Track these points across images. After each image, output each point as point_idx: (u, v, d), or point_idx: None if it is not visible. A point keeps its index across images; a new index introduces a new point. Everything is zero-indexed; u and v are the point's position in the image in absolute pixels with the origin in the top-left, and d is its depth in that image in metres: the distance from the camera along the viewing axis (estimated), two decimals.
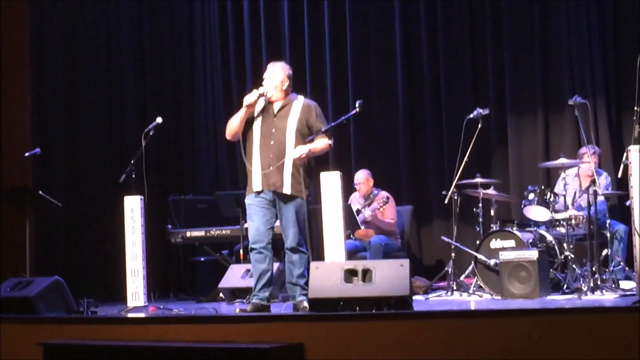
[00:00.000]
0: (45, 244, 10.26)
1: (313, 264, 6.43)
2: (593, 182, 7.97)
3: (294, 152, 6.99)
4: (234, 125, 7.18)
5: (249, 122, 7.16)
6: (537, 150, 10.17)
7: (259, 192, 7.06)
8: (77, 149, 11.04)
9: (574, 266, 8.04)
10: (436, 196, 10.12)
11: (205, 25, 12.19)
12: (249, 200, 7.12)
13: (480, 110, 8.73)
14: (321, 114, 7.29)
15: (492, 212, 8.77)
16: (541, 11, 10.27)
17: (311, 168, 7.22)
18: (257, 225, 7.04)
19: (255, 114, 7.18)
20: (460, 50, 10.75)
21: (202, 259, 10.54)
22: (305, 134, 7.11)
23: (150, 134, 8.09)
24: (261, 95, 7.10)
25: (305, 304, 6.74)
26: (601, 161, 9.35)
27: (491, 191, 8.79)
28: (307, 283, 6.83)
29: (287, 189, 7.01)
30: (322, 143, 7.15)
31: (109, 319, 6.90)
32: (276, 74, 7.24)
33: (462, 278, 8.61)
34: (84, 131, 11.13)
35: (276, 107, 7.17)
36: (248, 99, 7.07)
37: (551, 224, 8.45)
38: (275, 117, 7.13)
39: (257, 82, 10.95)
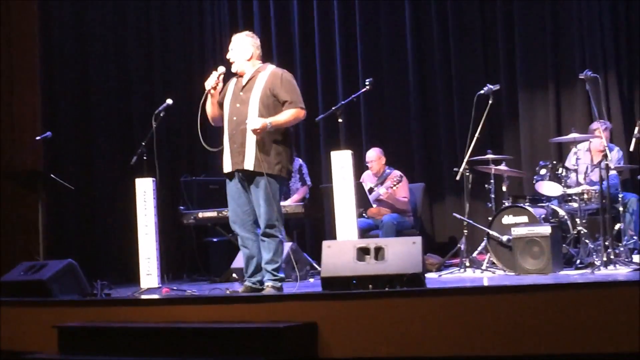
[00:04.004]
0: (58, 227, 10.29)
1: (325, 243, 6.40)
2: (605, 156, 7.94)
3: (250, 123, 6.60)
4: (208, 111, 6.95)
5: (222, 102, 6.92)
6: (548, 125, 10.15)
7: (229, 176, 6.83)
8: (88, 131, 11.07)
9: (586, 241, 8.02)
10: (448, 173, 10.13)
11: (214, 7, 12.19)
12: (227, 184, 6.91)
13: (491, 86, 8.69)
14: (289, 82, 6.79)
15: (504, 188, 8.75)
16: None
17: (286, 142, 6.78)
18: (232, 208, 6.85)
19: (228, 92, 6.90)
20: (470, 26, 10.71)
21: (215, 240, 10.57)
22: (271, 105, 6.70)
23: (161, 115, 8.06)
24: (220, 75, 6.81)
25: (271, 289, 6.63)
26: (613, 135, 9.31)
27: (503, 167, 8.77)
28: (276, 269, 6.69)
29: (248, 165, 6.64)
30: (287, 114, 6.68)
31: (123, 301, 6.93)
32: (239, 44, 6.88)
33: (474, 254, 8.60)
34: (94, 114, 11.16)
35: (244, 80, 6.81)
36: (209, 82, 6.81)
37: (563, 199, 8.43)
38: (242, 91, 6.78)
39: (267, 53, 11.03)
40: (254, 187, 6.71)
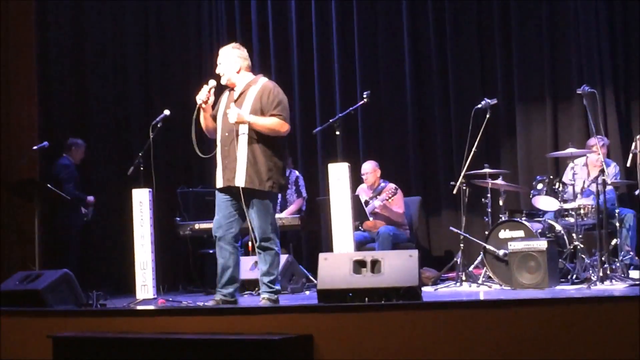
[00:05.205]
0: (53, 237, 10.27)
1: (322, 255, 6.37)
2: (602, 171, 7.95)
3: (230, 115, 6.58)
4: (203, 125, 6.89)
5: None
6: (545, 140, 10.16)
7: (221, 190, 6.79)
8: (85, 142, 11.04)
9: (583, 256, 8.02)
10: (445, 187, 10.12)
11: (212, 18, 12.18)
12: (216, 194, 6.87)
13: (488, 101, 8.70)
14: (278, 96, 6.71)
15: (501, 202, 8.76)
16: (549, 0, 10.24)
17: (277, 156, 6.72)
18: (217, 218, 6.80)
19: (221, 106, 6.87)
20: (467, 41, 10.74)
21: (211, 251, 10.45)
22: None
23: (158, 126, 8.06)
24: (211, 89, 6.77)
25: (267, 301, 6.63)
26: (610, 150, 9.32)
27: (500, 181, 8.77)
28: (272, 282, 6.70)
29: (239, 182, 6.61)
30: (269, 120, 6.61)
31: (118, 312, 6.89)
32: (226, 57, 6.85)
33: (471, 268, 8.60)
34: (91, 124, 11.16)
35: (236, 94, 6.78)
36: (199, 96, 6.76)
37: (560, 214, 8.44)
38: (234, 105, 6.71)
39: (265, 66, 11.07)
40: (248, 203, 6.68)
